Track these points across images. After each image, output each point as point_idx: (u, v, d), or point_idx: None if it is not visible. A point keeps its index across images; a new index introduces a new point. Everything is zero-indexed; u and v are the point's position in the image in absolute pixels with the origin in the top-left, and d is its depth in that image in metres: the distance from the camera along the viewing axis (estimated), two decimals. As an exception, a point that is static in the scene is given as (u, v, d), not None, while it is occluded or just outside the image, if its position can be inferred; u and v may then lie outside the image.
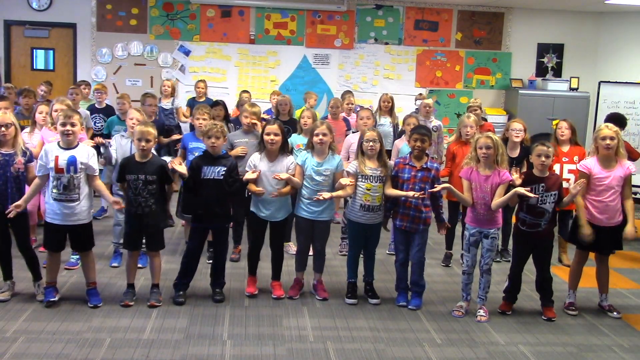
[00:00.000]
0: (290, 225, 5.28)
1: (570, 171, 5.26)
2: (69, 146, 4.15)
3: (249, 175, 4.34)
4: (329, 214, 4.58)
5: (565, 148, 5.37)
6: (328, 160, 4.49)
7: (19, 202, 4.13)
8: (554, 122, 5.54)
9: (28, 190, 4.24)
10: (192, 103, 7.73)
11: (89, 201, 4.24)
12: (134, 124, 4.89)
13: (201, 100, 7.66)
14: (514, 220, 4.55)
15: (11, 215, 4.08)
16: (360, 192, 4.41)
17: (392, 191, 4.42)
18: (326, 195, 4.33)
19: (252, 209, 4.54)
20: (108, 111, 6.96)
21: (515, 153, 5.39)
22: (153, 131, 4.27)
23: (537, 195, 4.21)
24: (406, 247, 4.50)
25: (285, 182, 4.43)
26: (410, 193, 4.30)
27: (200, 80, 8.01)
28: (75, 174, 4.11)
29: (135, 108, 5.14)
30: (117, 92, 8.64)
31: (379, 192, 4.40)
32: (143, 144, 4.22)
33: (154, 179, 4.23)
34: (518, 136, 5.43)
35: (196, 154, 5.00)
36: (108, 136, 5.67)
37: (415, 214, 4.38)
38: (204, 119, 5.17)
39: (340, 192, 4.42)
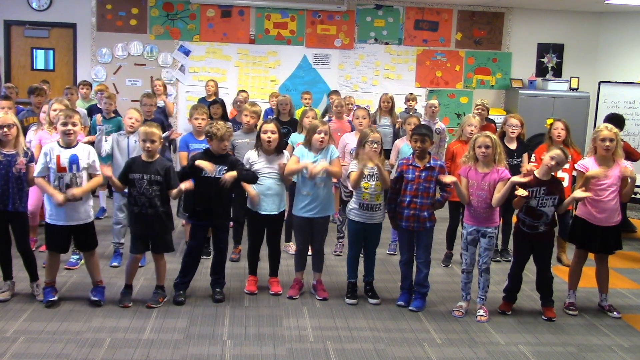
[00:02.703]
0: (290, 225, 5.27)
1: (564, 170, 5.27)
2: (69, 145, 4.15)
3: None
4: (327, 211, 4.59)
5: None
6: (322, 153, 4.54)
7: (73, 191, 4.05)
8: (548, 122, 5.55)
9: (43, 187, 4.11)
10: (203, 102, 7.73)
11: (90, 200, 4.24)
12: (132, 123, 4.91)
13: (211, 99, 7.66)
14: (514, 220, 4.55)
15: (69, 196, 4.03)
16: (359, 191, 4.42)
17: (353, 174, 4.38)
18: (322, 164, 4.35)
19: (249, 206, 4.56)
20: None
21: (513, 145, 5.51)
22: (157, 132, 4.25)
23: (528, 193, 4.19)
24: (410, 247, 4.50)
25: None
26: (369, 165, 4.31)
27: (211, 80, 8.03)
28: (78, 172, 4.12)
29: (135, 108, 5.13)
30: (117, 92, 8.68)
31: (377, 191, 4.42)
32: (148, 144, 4.19)
33: (160, 180, 4.21)
34: (514, 132, 5.52)
35: None
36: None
37: (420, 213, 4.38)
38: (203, 119, 5.18)
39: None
